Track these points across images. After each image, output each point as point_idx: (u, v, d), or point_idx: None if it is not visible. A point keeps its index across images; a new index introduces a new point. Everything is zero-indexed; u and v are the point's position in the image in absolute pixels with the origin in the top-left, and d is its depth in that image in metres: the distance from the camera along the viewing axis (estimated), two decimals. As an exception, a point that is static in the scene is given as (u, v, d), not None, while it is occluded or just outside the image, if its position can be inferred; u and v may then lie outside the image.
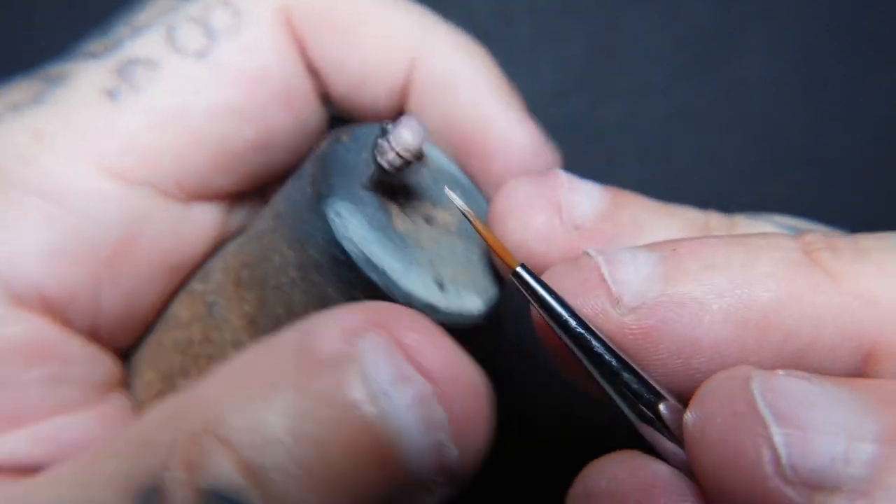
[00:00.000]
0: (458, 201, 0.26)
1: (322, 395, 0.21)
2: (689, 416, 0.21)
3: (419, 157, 0.27)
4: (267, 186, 0.36)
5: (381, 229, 0.27)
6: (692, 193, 0.69)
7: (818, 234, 0.24)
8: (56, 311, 0.30)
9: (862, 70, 0.66)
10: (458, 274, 0.29)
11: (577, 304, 0.23)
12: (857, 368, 0.22)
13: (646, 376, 0.22)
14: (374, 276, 0.26)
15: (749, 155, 0.65)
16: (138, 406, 0.34)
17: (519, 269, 0.24)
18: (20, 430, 0.30)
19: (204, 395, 0.23)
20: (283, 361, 0.23)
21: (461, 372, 0.23)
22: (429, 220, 0.29)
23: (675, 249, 0.23)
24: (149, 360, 0.34)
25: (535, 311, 0.24)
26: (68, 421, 0.31)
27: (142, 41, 0.32)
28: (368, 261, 0.26)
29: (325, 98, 0.35)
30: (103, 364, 0.33)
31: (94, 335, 0.32)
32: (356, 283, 0.27)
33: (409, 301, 0.26)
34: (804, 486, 0.18)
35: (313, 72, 0.34)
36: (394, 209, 0.29)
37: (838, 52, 0.66)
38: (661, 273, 0.23)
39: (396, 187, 0.29)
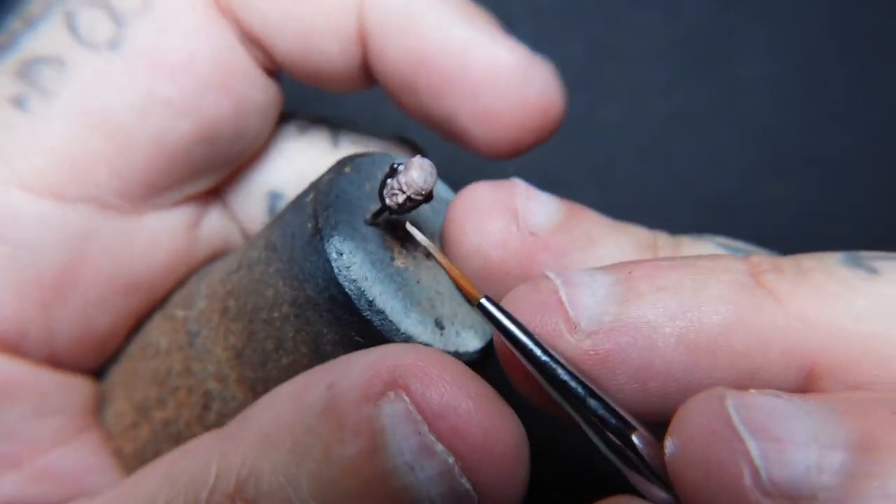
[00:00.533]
0: (419, 236, 0.26)
1: (348, 464, 0.22)
2: (668, 444, 0.21)
3: (429, 198, 0.26)
4: (224, 186, 0.34)
5: (383, 268, 0.27)
6: (692, 193, 0.69)
7: (764, 256, 0.24)
8: (9, 346, 0.28)
9: (862, 70, 0.66)
10: (457, 311, 0.28)
11: (535, 328, 0.23)
12: (801, 388, 0.23)
13: (613, 404, 0.23)
14: (374, 319, 0.26)
15: (749, 155, 0.65)
16: (110, 437, 0.32)
17: (483, 301, 0.24)
18: (18, 471, 0.28)
19: (237, 450, 0.24)
20: (310, 421, 0.23)
21: (488, 434, 0.22)
22: (429, 255, 0.28)
23: (630, 272, 0.24)
24: (122, 389, 0.32)
25: (498, 339, 0.25)
26: (62, 453, 0.30)
27: (40, 35, 0.28)
28: (370, 303, 0.26)
29: (272, 68, 0.32)
30: (80, 389, 0.31)
31: (54, 363, 0.30)
32: (354, 323, 0.26)
33: (406, 343, 0.26)
34: (783, 498, 0.19)
35: (252, 41, 0.30)
36: (395, 245, 0.28)
37: (838, 52, 0.66)
38: (616, 296, 0.23)
39: (399, 222, 0.28)
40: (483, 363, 0.28)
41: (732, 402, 0.20)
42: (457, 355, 0.27)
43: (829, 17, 0.66)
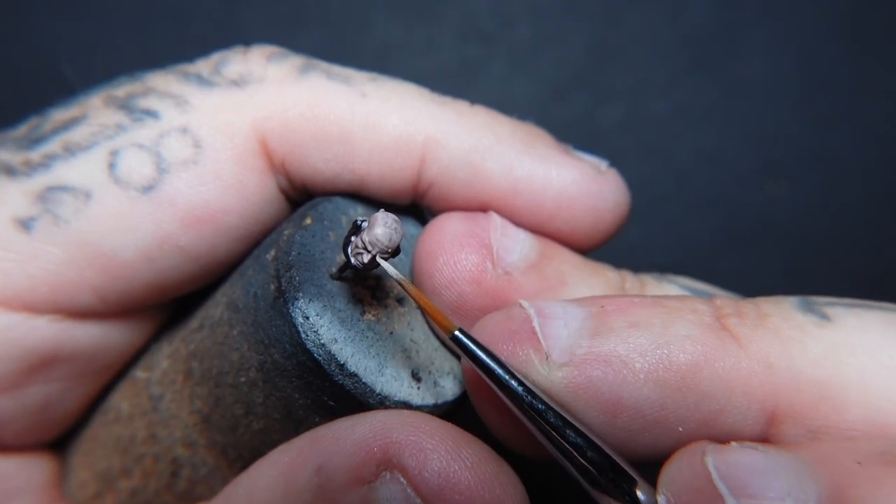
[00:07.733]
0: (390, 269, 0.24)
1: None
2: (660, 498, 0.22)
3: (396, 253, 0.24)
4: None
5: (353, 325, 0.25)
6: (692, 193, 0.69)
7: (727, 299, 0.25)
8: None
9: (862, 70, 0.66)
10: (433, 357, 0.27)
11: (505, 357, 0.23)
12: (764, 431, 0.23)
13: (590, 435, 0.23)
14: (346, 383, 0.24)
15: (749, 155, 0.65)
16: None
17: (457, 334, 0.23)
18: None
19: None
20: None
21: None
22: (401, 301, 0.27)
23: (603, 306, 0.24)
24: (83, 458, 0.30)
25: (468, 369, 0.24)
26: None
27: (76, 165, 0.27)
28: (341, 367, 0.24)
29: (298, 197, 0.31)
30: (40, 465, 0.30)
31: (2, 448, 0.29)
32: (326, 388, 0.25)
33: (382, 403, 0.25)
34: None
35: (298, 189, 0.29)
36: (364, 295, 0.26)
37: (838, 52, 0.66)
38: (589, 329, 0.23)
39: (367, 274, 0.26)
40: (465, 405, 0.27)
41: (712, 458, 0.21)
42: (436, 406, 0.26)
43: (830, 17, 0.66)
